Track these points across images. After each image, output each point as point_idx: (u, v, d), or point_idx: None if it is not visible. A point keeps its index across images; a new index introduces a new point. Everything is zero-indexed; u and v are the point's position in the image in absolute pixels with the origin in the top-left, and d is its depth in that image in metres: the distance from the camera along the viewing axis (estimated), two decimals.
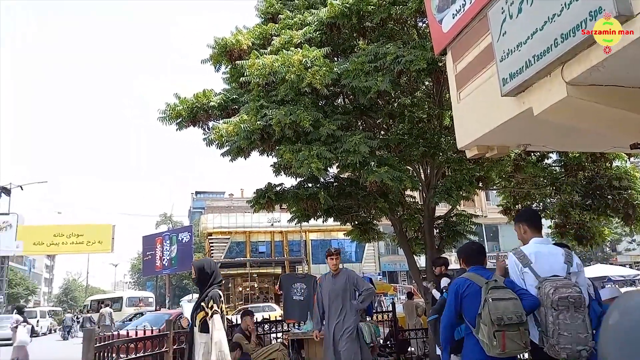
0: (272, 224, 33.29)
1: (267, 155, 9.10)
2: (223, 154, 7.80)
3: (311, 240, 35.70)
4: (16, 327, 15.34)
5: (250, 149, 7.51)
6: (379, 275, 33.41)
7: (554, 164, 10.88)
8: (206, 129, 8.34)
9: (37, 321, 28.92)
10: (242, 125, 6.94)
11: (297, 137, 7.10)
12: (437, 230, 10.07)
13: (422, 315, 12.10)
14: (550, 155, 11.01)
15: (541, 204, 11.77)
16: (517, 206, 11.91)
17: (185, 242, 29.47)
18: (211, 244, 34.32)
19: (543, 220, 12.25)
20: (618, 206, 9.93)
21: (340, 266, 6.23)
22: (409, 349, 10.91)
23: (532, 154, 10.45)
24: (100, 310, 18.81)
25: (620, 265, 28.38)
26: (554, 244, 3.74)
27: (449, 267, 7.51)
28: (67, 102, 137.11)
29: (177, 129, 8.33)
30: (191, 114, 8.01)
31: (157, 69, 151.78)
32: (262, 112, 7.02)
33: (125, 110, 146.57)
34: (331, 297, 5.71)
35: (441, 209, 11.27)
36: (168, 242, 30.26)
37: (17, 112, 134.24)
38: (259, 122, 6.86)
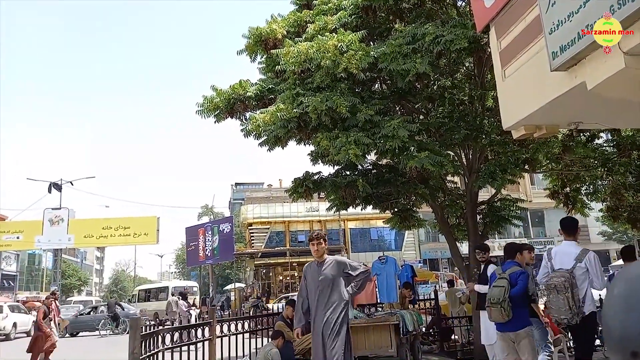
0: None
1: (304, 144, 9.06)
2: (261, 144, 7.81)
3: (350, 228, 35.65)
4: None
5: (288, 138, 7.48)
6: (420, 263, 33.03)
7: (605, 144, 10.33)
8: (243, 119, 8.37)
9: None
10: (278, 114, 6.91)
11: (334, 124, 7.01)
12: (481, 216, 9.78)
13: (465, 303, 11.82)
14: (601, 134, 10.45)
15: (591, 186, 11.21)
16: (565, 189, 11.42)
17: (226, 232, 30.04)
18: (251, 234, 34.89)
19: (594, 204, 11.77)
20: None
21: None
22: (452, 337, 10.71)
23: (582, 134, 9.94)
24: (168, 299, 20.50)
25: None
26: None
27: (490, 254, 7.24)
28: (109, 95, 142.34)
29: (215, 121, 8.40)
30: (228, 105, 8.05)
31: (203, 63, 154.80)
32: (298, 100, 6.96)
33: (165, 103, 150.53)
34: (317, 289, 4.82)
35: (483, 195, 10.93)
36: (210, 232, 30.93)
37: (63, 107, 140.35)
38: (295, 110, 6.81)
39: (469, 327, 10.43)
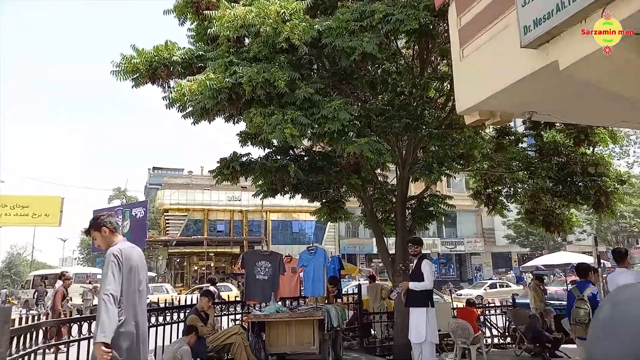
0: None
1: (234, 122, 8.33)
2: (185, 116, 6.97)
3: (272, 220, 35.02)
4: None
5: (216, 111, 6.72)
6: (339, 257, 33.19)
7: (528, 149, 10.66)
8: (167, 87, 7.46)
9: None
10: (207, 83, 6.16)
11: (270, 100, 6.39)
12: (409, 211, 9.65)
13: (386, 298, 11.72)
14: (524, 139, 10.80)
15: (512, 189, 11.58)
16: (487, 191, 11.71)
17: (139, 217, 28.04)
18: (167, 221, 33.02)
19: (513, 206, 12.17)
20: (589, 193, 9.80)
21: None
22: (372, 333, 10.55)
23: (507, 137, 10.18)
24: (84, 287, 19.44)
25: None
26: None
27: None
28: (13, 62, 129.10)
29: (133, 86, 7.41)
30: (150, 68, 7.10)
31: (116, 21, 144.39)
32: (231, 69, 6.25)
33: (79, 71, 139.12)
34: None
35: (410, 192, 10.87)
36: (120, 217, 28.70)
37: None
38: (227, 80, 6.09)
39: (389, 323, 10.32)
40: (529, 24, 3.24)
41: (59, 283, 11.52)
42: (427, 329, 5.90)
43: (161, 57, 7.06)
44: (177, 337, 6.31)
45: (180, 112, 7.19)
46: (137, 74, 7.18)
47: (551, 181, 10.34)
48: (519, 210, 12.25)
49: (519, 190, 11.38)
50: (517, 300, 11.89)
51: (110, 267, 3.19)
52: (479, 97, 4.01)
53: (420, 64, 7.75)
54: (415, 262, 6.31)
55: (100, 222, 3.46)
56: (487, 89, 3.92)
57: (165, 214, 33.30)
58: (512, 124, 10.82)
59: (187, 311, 6.97)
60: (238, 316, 8.45)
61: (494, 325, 10.92)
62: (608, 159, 9.65)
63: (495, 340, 10.62)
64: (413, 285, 5.98)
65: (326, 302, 8.03)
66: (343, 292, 11.20)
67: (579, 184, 9.97)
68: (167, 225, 32.96)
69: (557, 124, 10.08)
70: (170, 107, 7.14)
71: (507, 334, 10.83)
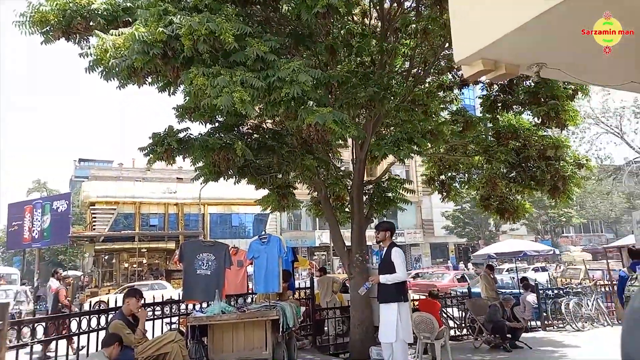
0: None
1: (170, 93, 7.11)
2: (108, 77, 5.70)
3: (210, 214, 33.35)
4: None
5: (147, 71, 5.53)
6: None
7: (483, 133, 10.25)
8: (84, 44, 6.15)
9: None
10: (137, 34, 4.99)
11: (215, 59, 5.33)
12: (366, 197, 8.90)
13: (337, 292, 10.96)
14: (481, 123, 10.40)
15: (466, 174, 11.20)
16: (441, 177, 11.27)
17: (61, 211, 25.57)
18: (94, 215, 30.41)
19: (470, 191, 11.68)
20: (545, 178, 9.53)
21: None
22: (324, 329, 9.76)
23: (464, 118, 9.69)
24: (17, 288, 17.45)
25: None
26: None
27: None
28: None
29: (42, 42, 6.03)
30: (64, 19, 5.77)
31: None
32: (166, 20, 5.11)
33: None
34: None
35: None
36: (40, 211, 26.06)
37: None
38: (161, 31, 4.96)
39: (342, 318, 9.57)
40: None
41: (54, 282, 10.57)
42: (399, 327, 5.13)
43: (78, 5, 5.75)
44: (97, 350, 5.12)
45: (105, 78, 5.91)
46: (48, 27, 5.82)
47: (506, 166, 10.02)
48: (459, 201, 11.98)
49: (474, 176, 11.03)
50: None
51: None
52: (484, 41, 3.24)
53: (383, 28, 6.95)
54: (384, 251, 5.53)
55: None
56: (494, 31, 3.15)
57: (91, 207, 30.66)
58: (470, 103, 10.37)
59: (111, 315, 5.75)
60: (174, 319, 7.30)
61: (450, 317, 10.49)
62: (566, 142, 9.41)
63: (452, 332, 10.19)
64: (384, 279, 5.17)
65: (278, 298, 7.10)
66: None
67: (534, 168, 9.70)
68: (93, 219, 30.37)
69: (515, 107, 9.77)
70: (90, 70, 5.85)
71: (463, 325, 10.45)
